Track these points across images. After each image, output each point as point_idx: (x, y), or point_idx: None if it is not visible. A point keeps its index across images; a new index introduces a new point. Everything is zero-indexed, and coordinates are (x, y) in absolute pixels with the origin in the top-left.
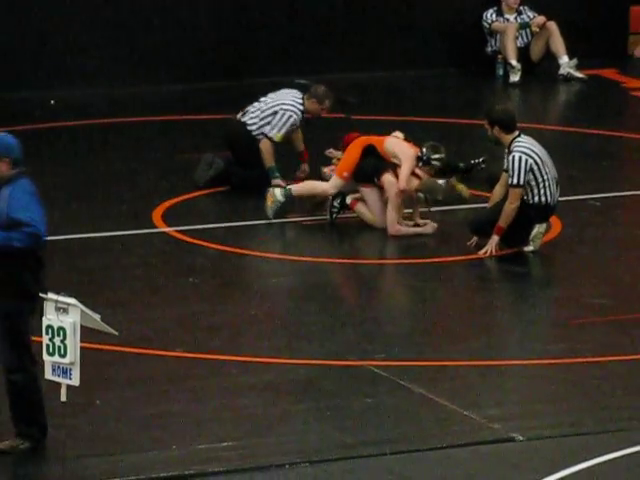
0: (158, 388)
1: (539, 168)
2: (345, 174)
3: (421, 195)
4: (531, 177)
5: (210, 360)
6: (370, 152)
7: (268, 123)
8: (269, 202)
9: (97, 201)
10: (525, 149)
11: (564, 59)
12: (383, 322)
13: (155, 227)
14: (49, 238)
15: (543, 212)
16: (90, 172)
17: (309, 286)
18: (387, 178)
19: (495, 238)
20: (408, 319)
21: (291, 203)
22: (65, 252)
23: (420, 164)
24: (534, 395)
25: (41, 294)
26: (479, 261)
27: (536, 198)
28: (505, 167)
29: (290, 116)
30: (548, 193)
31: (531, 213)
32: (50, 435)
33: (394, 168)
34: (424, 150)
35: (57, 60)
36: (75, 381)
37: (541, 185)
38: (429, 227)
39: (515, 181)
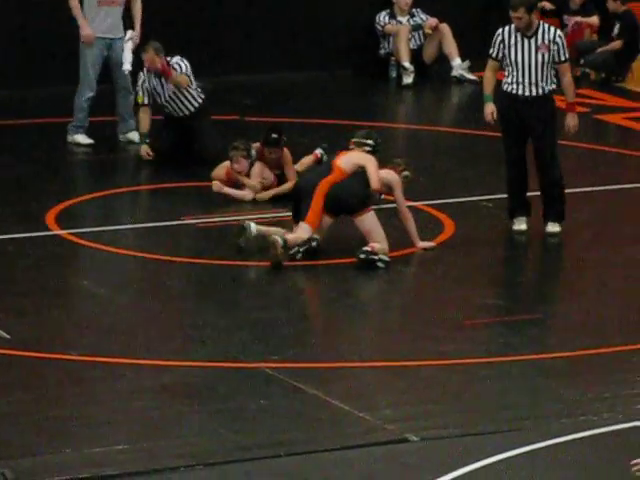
0: (52, 392)
1: None
2: (317, 223)
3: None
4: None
5: (104, 363)
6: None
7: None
8: (278, 252)
9: None
10: None
11: (456, 61)
12: (278, 324)
13: (48, 230)
14: None
15: None
16: None
17: (203, 288)
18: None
19: (575, 116)
20: (302, 321)
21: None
22: None
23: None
24: (428, 396)
25: None
26: (372, 264)
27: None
28: (494, 55)
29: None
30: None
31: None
32: None
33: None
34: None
35: None
36: None
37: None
38: None
39: (568, 55)
